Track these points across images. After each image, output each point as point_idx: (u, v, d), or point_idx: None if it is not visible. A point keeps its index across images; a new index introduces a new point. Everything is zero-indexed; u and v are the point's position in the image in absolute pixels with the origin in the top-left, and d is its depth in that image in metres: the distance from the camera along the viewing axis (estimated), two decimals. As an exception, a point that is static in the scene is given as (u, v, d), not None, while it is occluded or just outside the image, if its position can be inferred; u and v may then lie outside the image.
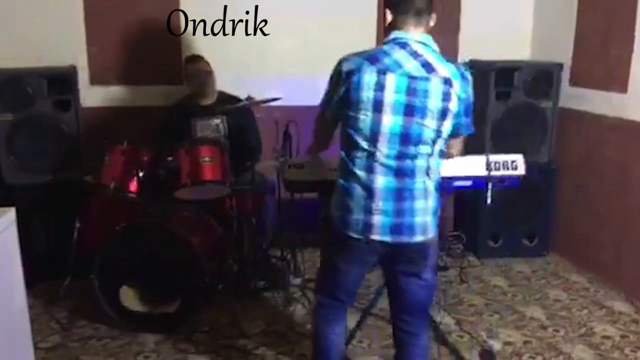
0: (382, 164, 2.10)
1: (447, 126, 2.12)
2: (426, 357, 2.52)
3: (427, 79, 2.06)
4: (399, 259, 2.25)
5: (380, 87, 2.05)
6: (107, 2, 4.08)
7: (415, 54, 2.09)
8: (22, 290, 2.39)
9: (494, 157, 2.87)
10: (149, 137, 4.02)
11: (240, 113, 3.82)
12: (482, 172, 2.87)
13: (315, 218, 4.31)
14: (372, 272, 4.07)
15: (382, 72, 2.05)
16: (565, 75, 4.18)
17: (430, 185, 2.16)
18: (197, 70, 3.92)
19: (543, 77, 4.14)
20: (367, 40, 4.41)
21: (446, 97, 2.08)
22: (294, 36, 4.31)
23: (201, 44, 4.16)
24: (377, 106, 2.06)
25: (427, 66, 2.07)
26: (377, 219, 2.13)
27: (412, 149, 2.09)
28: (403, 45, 2.10)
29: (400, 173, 2.11)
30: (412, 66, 2.06)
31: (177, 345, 3.15)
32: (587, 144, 4.12)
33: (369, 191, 2.12)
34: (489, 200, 2.92)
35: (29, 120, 3.69)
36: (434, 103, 2.06)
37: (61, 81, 3.78)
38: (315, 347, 2.51)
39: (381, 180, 2.11)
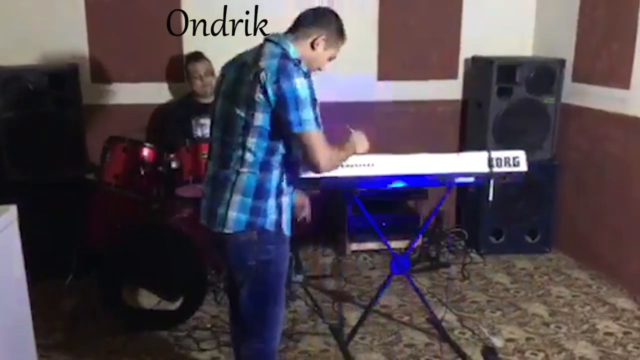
0: None
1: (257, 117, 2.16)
2: None
3: (249, 70, 2.16)
4: None
5: None
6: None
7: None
8: (24, 289, 2.39)
9: (496, 154, 2.87)
10: (150, 135, 4.04)
11: None
12: (484, 168, 2.86)
13: (316, 215, 4.34)
14: (375, 269, 4.10)
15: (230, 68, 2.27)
16: (568, 71, 4.17)
17: None
18: (198, 69, 3.92)
19: (545, 73, 4.12)
20: (368, 42, 4.41)
21: None
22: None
23: (202, 42, 4.15)
24: None
25: (255, 58, 2.17)
26: None
27: None
28: None
29: None
30: None
31: (179, 342, 3.15)
32: (589, 140, 4.11)
33: None
34: (491, 197, 2.91)
35: (31, 118, 3.69)
36: None
37: (63, 79, 3.78)
38: None
39: None
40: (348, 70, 4.40)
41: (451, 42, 4.54)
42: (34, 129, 3.70)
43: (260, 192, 2.14)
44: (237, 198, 2.13)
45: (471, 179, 2.91)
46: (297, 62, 2.16)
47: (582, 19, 4.08)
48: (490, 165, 2.86)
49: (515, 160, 2.91)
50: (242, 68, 2.16)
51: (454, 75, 4.61)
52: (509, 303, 3.63)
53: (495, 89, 4.11)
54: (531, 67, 4.11)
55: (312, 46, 2.26)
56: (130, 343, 3.15)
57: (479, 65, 4.34)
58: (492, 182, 2.89)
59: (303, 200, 2.67)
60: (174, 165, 3.34)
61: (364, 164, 2.80)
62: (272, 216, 2.17)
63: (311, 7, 2.36)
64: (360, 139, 2.53)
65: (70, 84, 3.81)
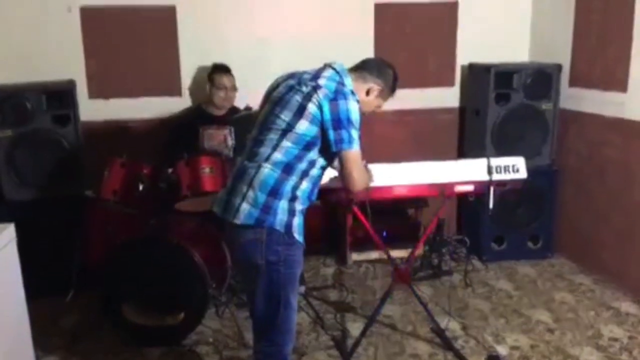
0: None
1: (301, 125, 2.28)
2: None
3: (305, 84, 2.32)
4: None
5: None
6: (104, 15, 4.08)
7: None
8: (24, 306, 2.39)
9: (495, 161, 2.87)
10: (158, 147, 4.02)
11: (247, 124, 3.81)
12: (484, 176, 2.86)
13: (317, 225, 4.32)
14: (377, 279, 4.08)
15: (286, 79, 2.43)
16: (565, 76, 4.17)
17: None
18: (226, 82, 3.94)
19: (542, 78, 4.13)
20: (364, 50, 4.41)
21: None
22: (294, 47, 4.30)
23: (200, 56, 4.16)
24: None
25: (314, 77, 2.33)
26: None
27: None
28: None
29: None
30: None
31: (181, 357, 3.13)
32: (588, 144, 4.10)
33: None
34: (491, 204, 2.91)
35: (29, 136, 3.69)
36: None
37: (60, 96, 3.78)
38: None
39: None
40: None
41: (448, 50, 4.55)
42: (32, 147, 3.70)
43: (275, 191, 2.21)
44: (252, 192, 2.21)
45: (471, 187, 2.90)
46: (352, 92, 2.30)
47: (578, 24, 4.09)
48: (489, 172, 2.86)
49: (515, 166, 2.91)
50: (299, 81, 2.30)
51: (451, 83, 4.62)
52: (512, 310, 3.61)
53: (492, 96, 4.11)
54: (528, 72, 4.11)
55: (368, 92, 2.43)
56: (132, 359, 3.14)
57: (476, 72, 4.34)
58: (492, 189, 2.89)
59: None
60: (172, 180, 3.33)
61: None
62: (281, 217, 2.21)
63: (376, 57, 2.62)
64: (371, 173, 2.69)
65: (68, 100, 3.80)
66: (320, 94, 2.21)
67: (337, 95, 2.22)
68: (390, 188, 2.88)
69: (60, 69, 3.99)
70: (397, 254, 3.68)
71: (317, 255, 4.45)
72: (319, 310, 3.60)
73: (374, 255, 4.29)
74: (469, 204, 4.34)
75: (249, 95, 3.99)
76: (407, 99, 4.51)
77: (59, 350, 3.23)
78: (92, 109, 4.10)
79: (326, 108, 2.20)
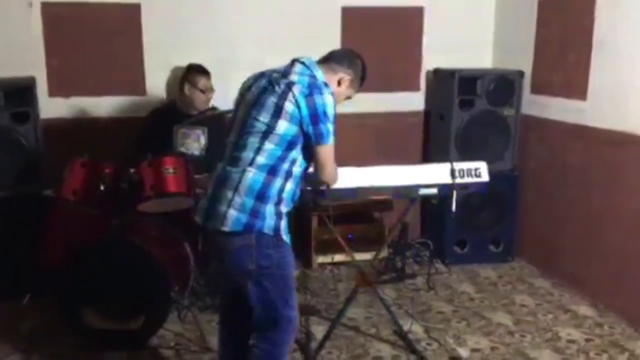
0: None
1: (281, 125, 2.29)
2: None
3: (277, 82, 2.32)
4: None
5: None
6: (66, 11, 3.99)
7: None
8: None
9: (458, 165, 2.90)
10: (128, 146, 3.94)
11: (219, 124, 3.78)
12: (447, 179, 2.89)
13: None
14: (341, 282, 4.09)
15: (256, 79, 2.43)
16: (527, 82, 4.25)
17: None
18: (205, 82, 3.89)
19: (505, 84, 4.20)
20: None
21: None
22: (260, 48, 4.28)
23: (164, 55, 4.11)
24: None
25: (284, 74, 2.35)
26: None
27: None
28: None
29: None
30: None
31: (142, 362, 3.08)
32: (549, 150, 4.19)
33: None
34: (454, 207, 2.94)
35: (-14, 133, 3.59)
36: None
37: (19, 93, 3.69)
38: None
39: None
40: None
41: (414, 54, 4.59)
42: (-11, 144, 3.61)
43: (261, 195, 2.21)
44: (239, 197, 2.20)
45: (434, 190, 2.93)
46: (326, 84, 2.31)
47: (540, 31, 4.17)
48: (452, 176, 2.89)
49: (477, 171, 2.94)
50: (270, 80, 2.29)
51: (416, 88, 4.66)
52: (474, 313, 3.66)
53: (457, 101, 4.16)
54: (491, 78, 4.18)
55: (339, 82, 2.46)
56: (91, 364, 3.07)
57: (441, 77, 4.39)
58: (455, 192, 2.92)
59: None
60: (134, 180, 3.27)
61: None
62: (269, 220, 2.22)
63: (343, 48, 2.65)
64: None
65: (27, 98, 3.72)
66: (295, 91, 2.21)
67: (312, 89, 2.23)
68: (354, 190, 2.88)
69: (21, 65, 3.90)
70: (362, 256, 3.69)
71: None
72: (283, 313, 3.59)
73: (339, 258, 4.29)
74: (432, 208, 4.40)
75: (214, 95, 3.97)
76: (373, 102, 4.55)
77: (15, 355, 3.14)
78: (52, 107, 4.01)
79: (303, 105, 2.20)
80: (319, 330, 3.37)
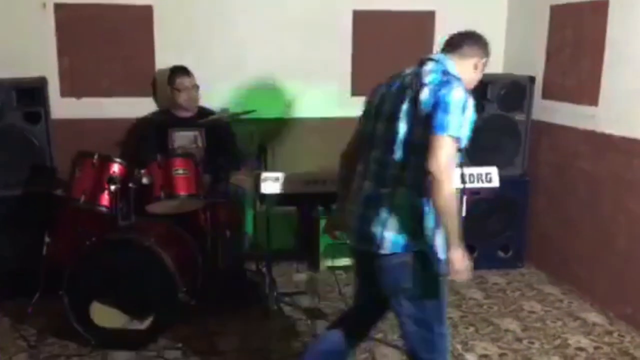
0: None
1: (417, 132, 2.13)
2: None
3: (409, 87, 2.20)
4: None
5: None
6: (79, 12, 4.02)
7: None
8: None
9: (468, 170, 2.89)
10: (125, 149, 3.98)
11: (218, 126, 3.79)
12: (457, 184, 2.87)
13: (291, 231, 4.31)
14: (349, 285, 4.07)
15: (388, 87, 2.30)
16: (538, 88, 4.23)
17: None
18: (186, 82, 3.90)
19: (515, 90, 4.18)
20: (342, 57, 4.43)
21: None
22: (271, 51, 4.30)
23: (175, 57, 4.12)
24: None
25: (416, 75, 2.21)
26: None
27: None
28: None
29: None
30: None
31: (149, 362, 3.09)
32: (559, 156, 4.16)
33: None
34: (463, 213, 2.92)
35: (-2, 133, 3.62)
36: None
37: (31, 93, 3.71)
38: None
39: None
40: (322, 86, 4.43)
41: (424, 59, 4.57)
42: (2, 144, 3.63)
43: (416, 213, 2.12)
44: (394, 218, 2.13)
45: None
46: (458, 78, 2.18)
47: (552, 37, 4.15)
48: (462, 181, 2.87)
49: (488, 176, 2.94)
50: (403, 87, 2.20)
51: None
52: (482, 319, 3.64)
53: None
54: (502, 84, 4.16)
55: (475, 67, 2.34)
56: (98, 363, 3.08)
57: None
58: (464, 197, 2.91)
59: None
60: (145, 181, 3.29)
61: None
62: (427, 238, 2.13)
63: (460, 32, 2.41)
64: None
65: (39, 98, 3.74)
66: (425, 93, 2.09)
67: (441, 87, 2.09)
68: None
69: (33, 66, 3.92)
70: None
71: (290, 261, 4.43)
72: (291, 316, 3.58)
73: (347, 261, 4.28)
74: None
75: (223, 97, 3.99)
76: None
77: (23, 353, 3.16)
78: (64, 108, 4.04)
79: (432, 101, 2.07)
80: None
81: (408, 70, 2.28)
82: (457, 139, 2.08)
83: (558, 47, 4.11)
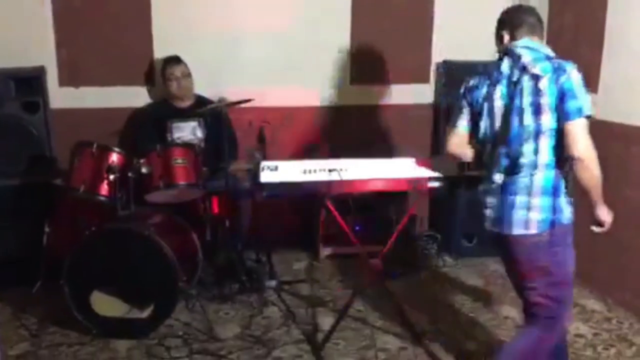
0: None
1: (545, 120, 2.24)
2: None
3: (520, 81, 2.27)
4: None
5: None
6: (77, 2, 4.00)
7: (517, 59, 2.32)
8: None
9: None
10: (124, 139, 3.98)
11: (216, 116, 3.79)
12: (456, 171, 2.88)
13: (290, 219, 4.32)
14: (349, 274, 4.09)
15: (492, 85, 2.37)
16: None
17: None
18: (176, 72, 3.89)
19: (515, 77, 4.16)
20: (341, 46, 4.42)
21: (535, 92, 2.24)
22: (269, 42, 4.28)
23: (174, 45, 4.11)
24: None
25: (523, 68, 2.28)
26: None
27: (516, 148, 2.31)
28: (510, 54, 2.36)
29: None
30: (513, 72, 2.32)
31: (149, 350, 3.09)
32: (559, 143, 4.15)
33: None
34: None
35: (-4, 122, 3.62)
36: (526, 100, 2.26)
37: (29, 82, 3.72)
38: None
39: None
40: (321, 74, 4.42)
41: (423, 47, 4.56)
42: (0, 134, 3.63)
43: (555, 191, 2.29)
44: (536, 200, 2.28)
45: (444, 183, 2.92)
46: (565, 60, 2.26)
47: (551, 24, 4.13)
48: (462, 168, 2.87)
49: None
50: (513, 82, 2.29)
51: (425, 80, 4.63)
52: (482, 306, 3.65)
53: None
54: (502, 71, 4.13)
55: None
56: (100, 352, 3.09)
57: (451, 70, 4.36)
58: (464, 185, 2.91)
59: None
60: (144, 170, 3.30)
61: (337, 168, 2.79)
62: (565, 212, 2.31)
63: (516, 8, 2.57)
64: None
65: (37, 87, 3.74)
66: (546, 81, 2.20)
67: (559, 74, 2.20)
68: (363, 182, 2.88)
69: (31, 55, 3.91)
70: (369, 249, 3.69)
71: (290, 250, 4.45)
72: (291, 304, 3.60)
73: (346, 250, 4.29)
74: (440, 201, 4.39)
75: (221, 87, 3.98)
76: (382, 94, 4.54)
77: (25, 342, 3.17)
78: (62, 97, 4.03)
79: (555, 91, 2.20)
80: (326, 321, 3.38)
81: (506, 64, 2.34)
82: (589, 116, 2.24)
83: (557, 33, 4.09)
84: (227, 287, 3.66)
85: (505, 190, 2.34)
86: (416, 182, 2.91)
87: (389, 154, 2.96)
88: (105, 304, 3.13)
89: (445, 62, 4.46)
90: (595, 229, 2.36)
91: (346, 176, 2.79)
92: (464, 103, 2.49)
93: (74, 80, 4.09)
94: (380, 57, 4.47)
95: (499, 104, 2.33)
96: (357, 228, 4.07)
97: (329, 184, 2.77)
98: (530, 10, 2.47)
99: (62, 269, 3.09)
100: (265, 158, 3.48)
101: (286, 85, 4.32)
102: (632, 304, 3.53)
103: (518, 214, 2.30)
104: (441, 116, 4.53)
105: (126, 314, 3.14)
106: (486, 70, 2.41)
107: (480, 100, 2.39)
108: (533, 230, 2.28)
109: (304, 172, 2.86)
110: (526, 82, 2.24)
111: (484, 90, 2.38)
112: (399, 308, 3.23)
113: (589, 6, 3.78)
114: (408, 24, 4.51)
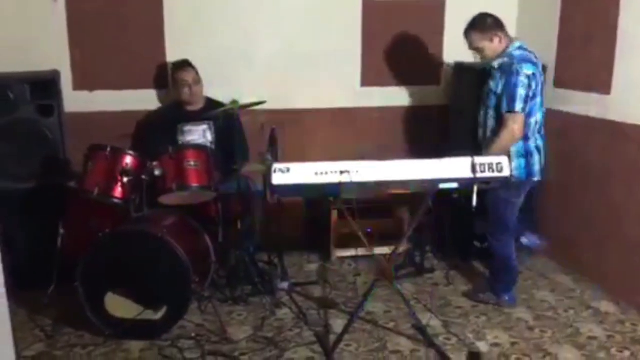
0: None
1: None
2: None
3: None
4: None
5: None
6: (90, 5, 4.04)
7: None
8: (4, 299, 2.35)
9: (479, 159, 2.88)
10: (135, 142, 4.02)
11: (227, 118, 3.81)
12: (468, 174, 2.87)
13: (301, 221, 4.33)
14: (360, 276, 4.09)
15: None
16: (549, 76, 4.20)
17: None
18: (187, 77, 3.92)
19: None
20: (352, 48, 4.43)
21: None
22: (280, 42, 4.30)
23: (186, 48, 4.14)
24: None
25: None
26: None
27: None
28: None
29: None
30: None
31: (162, 352, 3.11)
32: (571, 144, 4.13)
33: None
34: (474, 202, 2.92)
35: (12, 126, 3.65)
36: None
37: (44, 86, 3.74)
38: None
39: None
40: (332, 77, 4.43)
41: (434, 49, 4.56)
42: (15, 137, 3.67)
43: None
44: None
45: (455, 185, 2.92)
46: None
47: (563, 24, 4.12)
48: (473, 170, 2.86)
49: (499, 165, 2.91)
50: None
51: (436, 82, 4.63)
52: (493, 308, 3.63)
53: (476, 95, 4.11)
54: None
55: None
56: (113, 353, 3.12)
57: (461, 72, 4.36)
58: (475, 187, 2.91)
59: None
60: (157, 173, 3.32)
61: (348, 170, 2.80)
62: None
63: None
64: None
65: (52, 91, 3.77)
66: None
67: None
68: (375, 185, 2.88)
69: (46, 59, 3.95)
70: (381, 250, 3.70)
71: (301, 251, 4.46)
72: (302, 306, 3.61)
73: (358, 251, 4.29)
74: (451, 202, 4.36)
75: (232, 88, 4.00)
76: (393, 96, 4.54)
77: (40, 343, 3.21)
78: (77, 100, 4.07)
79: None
80: (337, 323, 3.38)
81: (526, 53, 3.43)
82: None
83: (570, 34, 4.08)
84: (239, 289, 3.68)
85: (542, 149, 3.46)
86: (428, 184, 2.90)
87: (400, 156, 2.95)
88: (119, 306, 3.15)
89: (456, 64, 4.44)
90: None
91: (358, 178, 2.80)
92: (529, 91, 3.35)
93: (87, 84, 4.13)
94: (391, 59, 4.47)
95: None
96: (368, 230, 4.06)
97: (340, 186, 2.77)
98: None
99: (77, 270, 3.12)
100: (276, 160, 3.49)
101: (297, 88, 4.35)
102: (645, 306, 3.51)
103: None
104: (451, 118, 4.53)
105: (139, 316, 3.16)
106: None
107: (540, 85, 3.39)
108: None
109: (316, 174, 2.87)
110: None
111: (539, 76, 3.35)
112: (410, 310, 3.22)
113: (601, 8, 3.77)
114: (419, 27, 4.50)
